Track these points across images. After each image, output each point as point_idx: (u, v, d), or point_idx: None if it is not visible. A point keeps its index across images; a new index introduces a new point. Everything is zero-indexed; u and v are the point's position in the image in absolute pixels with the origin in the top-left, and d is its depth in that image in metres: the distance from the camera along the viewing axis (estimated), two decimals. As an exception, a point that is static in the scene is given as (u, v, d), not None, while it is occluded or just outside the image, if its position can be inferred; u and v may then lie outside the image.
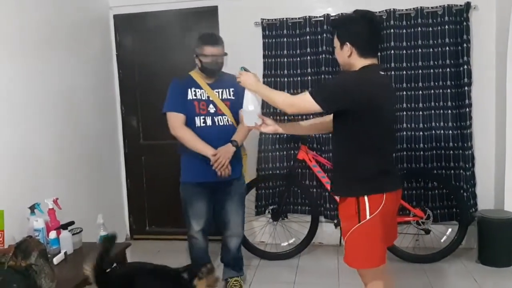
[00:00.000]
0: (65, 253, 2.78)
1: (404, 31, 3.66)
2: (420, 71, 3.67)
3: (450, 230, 3.69)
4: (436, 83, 3.66)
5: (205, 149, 2.82)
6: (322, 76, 3.78)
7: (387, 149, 2.13)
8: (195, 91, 2.91)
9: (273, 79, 3.88)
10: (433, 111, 3.67)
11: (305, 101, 2.01)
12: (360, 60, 2.05)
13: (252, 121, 2.34)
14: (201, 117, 2.89)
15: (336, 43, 2.12)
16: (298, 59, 3.84)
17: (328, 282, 3.27)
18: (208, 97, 2.91)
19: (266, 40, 3.88)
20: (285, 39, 3.85)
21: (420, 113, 3.69)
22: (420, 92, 3.68)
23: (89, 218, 3.11)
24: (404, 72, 3.68)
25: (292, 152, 3.85)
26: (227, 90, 2.96)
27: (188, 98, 2.89)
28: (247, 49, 3.87)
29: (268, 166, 3.88)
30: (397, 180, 2.16)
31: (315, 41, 3.79)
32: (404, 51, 3.67)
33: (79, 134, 3.58)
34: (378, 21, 2.31)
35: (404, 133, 3.71)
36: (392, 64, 3.68)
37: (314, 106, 1.98)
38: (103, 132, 4.02)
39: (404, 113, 3.70)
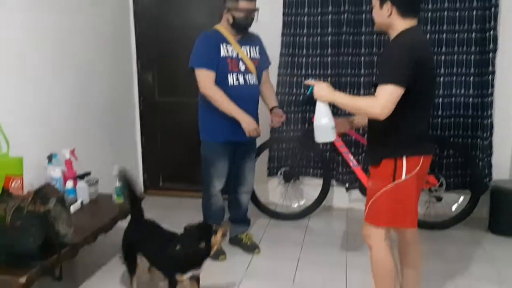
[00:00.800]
0: (82, 202, 2.85)
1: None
2: (444, 35, 3.57)
3: (462, 198, 3.69)
4: (460, 48, 3.57)
5: (241, 116, 2.73)
6: (343, 37, 3.71)
7: (426, 112, 2.10)
8: (226, 46, 2.79)
9: (292, 38, 3.82)
10: (454, 78, 3.60)
11: (387, 93, 1.82)
12: (400, 20, 1.95)
13: (326, 137, 2.11)
14: (234, 75, 2.80)
15: (375, 1, 2.00)
16: (319, 18, 3.76)
17: (336, 243, 3.31)
18: (237, 54, 2.81)
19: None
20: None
21: (441, 79, 3.62)
22: (443, 57, 3.59)
23: (104, 171, 3.16)
24: (428, 36, 3.58)
25: (307, 114, 3.83)
26: (254, 48, 2.89)
27: (222, 55, 2.76)
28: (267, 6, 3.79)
29: (282, 127, 3.86)
30: (431, 144, 2.16)
31: (337, 1, 3.70)
32: (429, 14, 3.56)
33: (94, 89, 3.59)
34: None
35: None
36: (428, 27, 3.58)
37: (398, 91, 1.82)
38: (118, 88, 4.01)
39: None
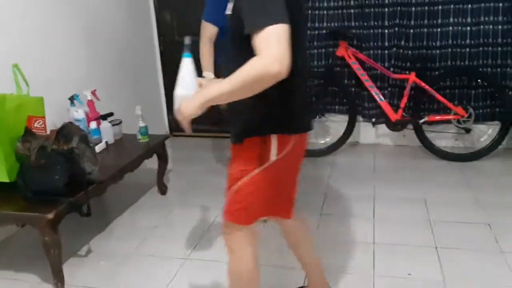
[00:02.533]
0: (106, 142, 2.89)
1: None
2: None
3: (491, 129, 3.57)
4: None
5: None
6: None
7: (302, 72, 1.48)
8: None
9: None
10: (482, 4, 3.38)
11: (274, 38, 1.20)
12: None
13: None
14: None
15: None
16: None
17: (363, 177, 3.30)
18: None
19: None
20: None
21: (469, 6, 3.41)
22: (471, -17, 3.38)
23: (127, 111, 3.18)
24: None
25: (331, 49, 3.71)
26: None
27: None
28: None
29: (307, 64, 3.77)
30: (310, 117, 1.65)
31: None
32: None
33: (112, 29, 3.55)
34: None
35: (450, 28, 3.48)
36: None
37: (286, 30, 1.21)
38: (136, 27, 3.94)
39: (452, 6, 3.44)
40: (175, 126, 4.44)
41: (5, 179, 2.23)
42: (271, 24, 1.21)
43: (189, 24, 4.01)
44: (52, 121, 2.67)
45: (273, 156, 1.49)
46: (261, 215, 1.62)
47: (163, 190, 3.10)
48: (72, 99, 2.89)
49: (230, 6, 1.43)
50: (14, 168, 2.25)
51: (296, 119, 1.51)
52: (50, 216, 2.00)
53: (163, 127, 4.44)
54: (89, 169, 2.31)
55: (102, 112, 3.00)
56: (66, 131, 2.29)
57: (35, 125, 2.44)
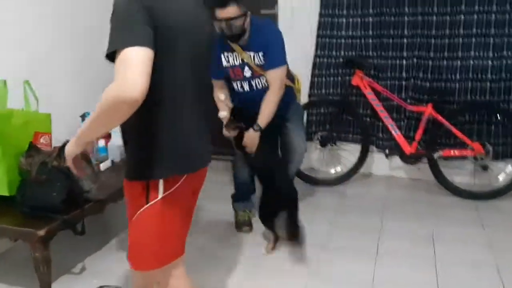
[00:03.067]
0: (112, 161, 2.91)
1: None
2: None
3: (510, 167, 3.43)
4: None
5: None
6: (385, 18, 3.49)
7: (190, 105, 1.40)
8: (227, 56, 2.61)
9: (330, 19, 3.63)
10: (506, 39, 3.29)
11: (128, 60, 1.13)
12: None
13: None
14: (238, 82, 2.68)
15: None
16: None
17: (372, 209, 3.20)
18: (242, 60, 2.60)
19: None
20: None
21: (491, 39, 3.32)
22: (493, 16, 3.29)
23: None
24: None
25: (347, 78, 3.67)
26: (258, 54, 2.57)
27: (223, 65, 2.64)
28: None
29: (321, 91, 3.74)
30: (206, 154, 1.52)
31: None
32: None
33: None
34: None
35: (471, 61, 3.39)
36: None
37: (143, 54, 1.15)
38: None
39: (473, 39, 3.36)
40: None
41: (5, 192, 2.27)
42: (126, 47, 1.13)
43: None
44: (64, 137, 2.70)
45: (159, 194, 1.38)
46: (156, 259, 1.46)
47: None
48: (83, 116, 2.95)
49: None
50: (15, 182, 2.28)
51: (180, 159, 1.39)
52: (41, 232, 2.01)
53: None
54: (88, 187, 2.32)
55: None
56: (68, 148, 2.31)
57: (41, 141, 2.48)
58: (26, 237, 2.06)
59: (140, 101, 1.14)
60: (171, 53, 1.27)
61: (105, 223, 3.04)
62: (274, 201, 2.60)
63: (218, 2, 2.35)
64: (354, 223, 3.00)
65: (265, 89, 2.62)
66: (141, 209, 1.40)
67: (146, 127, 1.33)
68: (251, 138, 2.58)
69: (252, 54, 2.58)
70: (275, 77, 2.56)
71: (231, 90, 2.76)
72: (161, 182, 1.38)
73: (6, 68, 2.51)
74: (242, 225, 2.91)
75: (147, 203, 1.39)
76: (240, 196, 2.99)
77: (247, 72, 2.63)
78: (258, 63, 2.60)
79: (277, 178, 2.65)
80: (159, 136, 1.36)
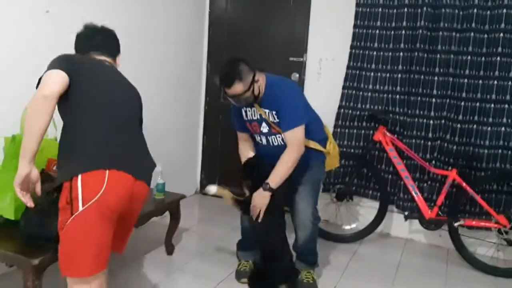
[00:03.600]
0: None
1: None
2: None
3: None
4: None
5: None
6: (416, 53, 3.43)
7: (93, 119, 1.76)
8: (246, 110, 2.63)
9: (361, 51, 3.62)
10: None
11: (45, 75, 1.70)
12: None
13: None
14: (256, 135, 2.69)
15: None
16: (392, 32, 3.52)
17: (382, 275, 3.04)
18: (260, 115, 2.58)
19: (360, 9, 3.60)
20: (380, 9, 3.54)
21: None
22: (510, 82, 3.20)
23: (167, 164, 3.27)
24: (498, 59, 3.22)
25: (371, 132, 3.60)
26: (272, 112, 2.55)
27: (244, 119, 2.68)
28: (338, 17, 3.68)
29: (342, 143, 3.67)
30: (126, 156, 1.78)
31: (413, 15, 3.43)
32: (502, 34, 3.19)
33: (164, 84, 3.77)
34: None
35: (503, 128, 3.26)
36: (499, 49, 3.20)
37: (54, 73, 1.68)
38: (187, 86, 4.13)
39: (507, 106, 3.24)
40: (206, 184, 4.44)
41: (11, 216, 2.30)
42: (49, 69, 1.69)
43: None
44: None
45: (80, 205, 1.62)
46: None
47: (169, 250, 3.06)
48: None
49: None
50: (22, 208, 2.31)
51: (101, 153, 1.70)
52: (35, 262, 2.00)
53: (194, 184, 4.48)
54: (90, 220, 2.33)
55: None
56: (75, 179, 2.35)
57: (54, 168, 2.52)
58: (20, 264, 2.06)
59: (50, 97, 1.61)
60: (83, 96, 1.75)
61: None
62: (269, 275, 2.53)
63: (224, 82, 2.44)
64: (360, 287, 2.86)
65: (282, 147, 2.54)
66: (68, 221, 1.64)
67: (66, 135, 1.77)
68: (259, 197, 2.49)
69: (267, 111, 2.56)
70: (292, 137, 2.49)
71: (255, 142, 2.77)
72: (79, 184, 1.62)
73: (26, 95, 2.60)
74: (241, 276, 2.81)
75: (71, 214, 1.64)
76: (246, 245, 2.91)
77: (264, 128, 2.61)
78: (273, 120, 2.56)
79: (276, 254, 2.57)
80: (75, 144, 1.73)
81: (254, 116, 2.61)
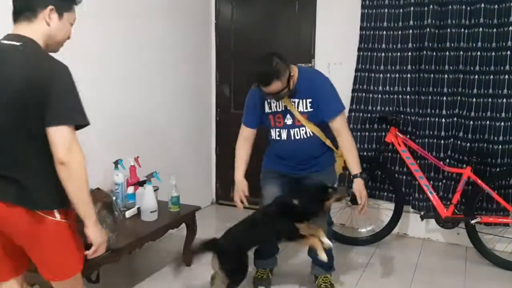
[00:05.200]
0: (138, 208, 2.98)
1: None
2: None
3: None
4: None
5: (235, 176, 2.77)
6: (425, 52, 3.42)
7: None
8: (270, 102, 2.60)
9: (369, 53, 3.62)
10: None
11: None
12: None
13: None
14: (276, 130, 2.63)
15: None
16: (400, 32, 3.51)
17: (400, 276, 3.03)
18: (285, 106, 2.56)
19: (366, 11, 3.60)
20: (386, 10, 3.54)
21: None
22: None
23: (182, 176, 3.34)
24: (509, 53, 3.18)
25: (383, 134, 3.59)
26: (303, 101, 2.54)
27: (265, 111, 2.64)
28: (344, 20, 3.69)
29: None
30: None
31: (419, 13, 3.42)
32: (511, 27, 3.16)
33: (174, 98, 3.81)
34: None
35: (518, 122, 3.23)
36: (509, 43, 3.18)
37: None
38: (198, 98, 4.18)
39: (518, 99, 3.21)
40: (221, 194, 4.49)
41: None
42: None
43: (244, 100, 4.19)
44: (96, 184, 2.80)
45: None
46: None
47: (188, 261, 3.09)
48: (116, 163, 3.06)
49: None
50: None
51: None
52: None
53: (210, 194, 4.52)
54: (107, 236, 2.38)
55: (162, 176, 3.11)
56: (91, 196, 2.39)
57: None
58: (40, 283, 2.12)
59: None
60: None
61: (128, 270, 3.08)
62: None
63: (262, 81, 2.40)
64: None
65: (304, 140, 2.58)
66: None
67: None
68: (360, 186, 2.57)
69: (296, 101, 2.54)
70: (341, 125, 2.55)
71: (268, 142, 2.75)
72: None
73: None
74: (259, 284, 2.83)
75: None
76: (263, 253, 2.89)
77: (288, 120, 2.59)
78: (302, 110, 2.55)
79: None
80: None
81: (279, 107, 2.59)
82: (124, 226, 2.70)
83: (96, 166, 2.89)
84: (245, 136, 2.76)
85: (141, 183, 3.06)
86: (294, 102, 2.55)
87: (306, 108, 2.55)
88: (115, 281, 2.85)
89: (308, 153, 2.63)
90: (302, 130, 2.58)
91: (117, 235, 2.43)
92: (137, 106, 3.39)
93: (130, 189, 3.02)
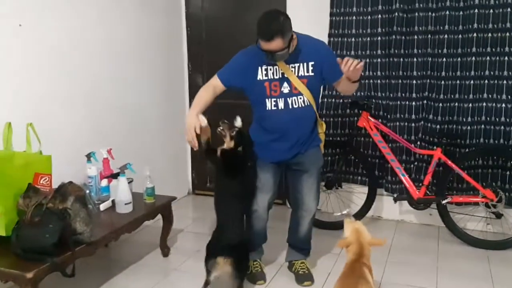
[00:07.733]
0: (113, 201, 2.95)
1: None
2: (507, 33, 3.19)
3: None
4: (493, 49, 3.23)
5: (188, 114, 2.55)
6: (394, 36, 3.46)
7: None
8: (266, 69, 2.48)
9: (340, 39, 3.64)
10: (517, 82, 3.20)
11: None
12: None
13: None
14: (273, 99, 2.52)
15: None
16: (369, 17, 3.54)
17: (374, 257, 3.06)
18: (282, 74, 2.47)
19: (335, -2, 3.62)
20: (355, -5, 3.57)
21: (504, 82, 3.24)
22: (506, 58, 3.22)
23: (156, 169, 3.30)
24: (490, 35, 3.24)
25: (355, 119, 3.63)
26: (304, 64, 2.47)
27: (258, 79, 2.50)
28: (314, 6, 3.70)
29: (327, 132, 3.67)
30: None
31: (388, -1, 3.46)
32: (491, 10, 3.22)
33: (146, 88, 3.75)
34: None
35: (484, 104, 3.31)
36: (475, 26, 3.25)
37: None
38: (171, 88, 4.14)
39: (486, 81, 3.29)
40: (198, 184, 4.48)
41: (2, 232, 2.32)
42: None
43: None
44: (69, 178, 2.75)
45: None
46: None
47: (165, 252, 3.09)
48: (89, 156, 3.02)
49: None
50: (13, 223, 2.33)
51: None
52: (29, 275, 2.04)
53: (186, 185, 4.51)
54: (81, 230, 2.35)
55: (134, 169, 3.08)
56: (63, 190, 2.35)
57: (41, 182, 2.53)
58: (15, 279, 2.09)
59: None
60: None
61: (105, 262, 3.05)
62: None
63: (264, 35, 2.29)
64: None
65: (301, 109, 2.52)
66: None
67: None
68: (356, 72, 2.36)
69: (297, 65, 2.47)
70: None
71: (260, 114, 2.60)
72: None
73: (11, 110, 2.62)
74: (256, 278, 2.78)
75: None
76: (254, 245, 2.84)
77: (285, 88, 2.50)
78: (302, 74, 2.48)
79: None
80: None
81: (276, 75, 2.49)
82: (99, 219, 2.68)
83: (68, 160, 2.86)
84: (214, 85, 2.59)
85: (114, 176, 3.02)
86: (294, 67, 2.47)
87: (308, 72, 2.48)
88: (91, 274, 2.82)
89: (303, 125, 2.58)
90: (300, 98, 2.51)
91: (91, 229, 2.40)
92: (109, 99, 3.34)
93: (104, 182, 2.99)
